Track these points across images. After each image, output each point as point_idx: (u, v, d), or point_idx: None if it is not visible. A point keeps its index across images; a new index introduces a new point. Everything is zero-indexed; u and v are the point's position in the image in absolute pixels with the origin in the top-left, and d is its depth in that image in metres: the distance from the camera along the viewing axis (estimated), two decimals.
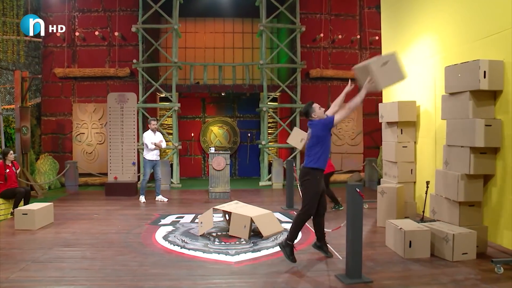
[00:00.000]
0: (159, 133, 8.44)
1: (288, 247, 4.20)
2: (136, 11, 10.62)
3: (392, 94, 7.11)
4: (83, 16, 10.77)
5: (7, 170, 6.76)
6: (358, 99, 4.12)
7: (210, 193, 8.50)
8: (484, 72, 4.20)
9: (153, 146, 8.05)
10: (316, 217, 4.42)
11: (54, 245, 5.02)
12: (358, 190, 3.71)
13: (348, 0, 11.11)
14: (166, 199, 8.24)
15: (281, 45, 10.64)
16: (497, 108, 4.37)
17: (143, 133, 8.45)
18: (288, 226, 5.82)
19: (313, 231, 5.59)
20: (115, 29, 10.61)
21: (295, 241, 4.32)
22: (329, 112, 4.35)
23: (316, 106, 4.32)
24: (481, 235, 4.44)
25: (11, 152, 6.96)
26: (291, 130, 10.78)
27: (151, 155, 8.11)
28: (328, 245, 4.57)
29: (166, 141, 11.67)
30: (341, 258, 4.38)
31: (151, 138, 8.11)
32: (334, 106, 4.43)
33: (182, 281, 3.83)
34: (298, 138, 7.60)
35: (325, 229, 4.52)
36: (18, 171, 7.17)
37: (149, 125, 8.29)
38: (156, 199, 8.19)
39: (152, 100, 11.31)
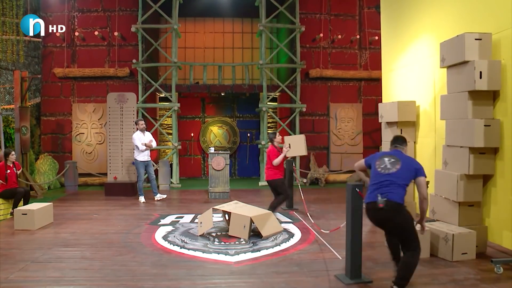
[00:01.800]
0: (148, 132, 8.41)
1: None
2: (136, 11, 10.61)
3: (391, 94, 7.11)
4: (83, 16, 10.77)
5: (8, 171, 6.76)
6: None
7: (210, 193, 8.50)
8: (480, 72, 4.21)
9: (144, 147, 8.04)
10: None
11: (54, 245, 5.02)
12: (358, 190, 3.71)
13: (347, 0, 11.11)
14: (165, 195, 8.25)
15: (281, 45, 10.64)
16: (496, 108, 4.37)
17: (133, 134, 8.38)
18: (287, 226, 5.83)
19: (313, 231, 5.60)
20: (114, 29, 10.61)
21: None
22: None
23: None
24: (480, 235, 4.44)
25: (13, 152, 6.96)
26: (291, 130, 10.81)
27: (142, 156, 8.09)
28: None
29: (166, 141, 11.73)
30: (340, 258, 4.38)
31: (141, 138, 8.09)
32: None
33: (181, 281, 3.83)
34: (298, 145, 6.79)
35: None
36: (19, 172, 7.17)
37: (137, 126, 8.26)
38: (156, 198, 8.20)
39: (151, 100, 11.30)
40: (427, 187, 3.71)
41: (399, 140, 3.83)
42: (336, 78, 11.05)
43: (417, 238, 3.47)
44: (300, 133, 10.67)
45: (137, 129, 8.22)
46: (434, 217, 4.94)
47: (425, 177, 3.55)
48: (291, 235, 5.44)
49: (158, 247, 4.93)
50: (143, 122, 8.29)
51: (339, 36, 10.83)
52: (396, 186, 3.44)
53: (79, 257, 4.56)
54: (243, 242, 5.08)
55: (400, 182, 3.47)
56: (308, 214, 6.32)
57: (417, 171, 3.53)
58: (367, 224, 5.94)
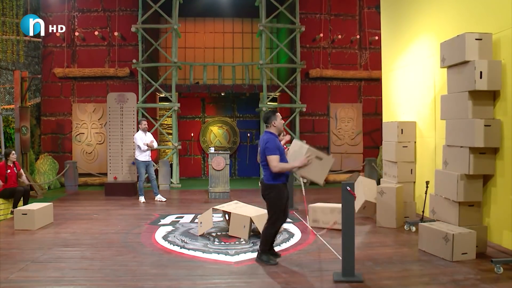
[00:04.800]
0: (149, 133, 8.43)
1: (262, 255, 4.25)
2: (136, 11, 10.61)
3: (392, 94, 7.11)
4: (83, 16, 10.77)
5: (8, 171, 6.75)
6: (288, 167, 4.05)
7: (210, 193, 8.50)
8: (480, 72, 4.21)
9: (146, 147, 8.06)
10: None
11: (54, 245, 5.02)
12: (349, 188, 3.71)
13: (347, 0, 11.11)
14: (165, 199, 8.24)
15: (281, 45, 10.64)
16: (497, 109, 4.37)
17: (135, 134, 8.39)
18: (287, 226, 5.83)
19: (313, 231, 5.61)
20: (114, 29, 10.61)
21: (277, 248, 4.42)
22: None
23: (279, 115, 4.24)
24: (480, 235, 4.44)
25: (13, 152, 6.96)
26: (291, 130, 10.81)
27: (144, 156, 8.11)
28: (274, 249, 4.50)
29: (166, 141, 11.74)
30: (340, 258, 4.37)
31: (143, 138, 8.11)
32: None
33: (181, 281, 3.83)
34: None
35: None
36: (19, 173, 7.16)
37: (139, 126, 8.28)
38: (156, 199, 8.20)
39: (151, 100, 11.30)
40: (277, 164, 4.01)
41: (264, 119, 4.28)
42: (336, 78, 11.05)
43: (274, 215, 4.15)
44: (300, 132, 10.66)
45: (139, 129, 8.23)
46: (434, 217, 4.94)
47: (275, 154, 4.00)
48: (291, 235, 5.44)
49: (158, 247, 4.93)
50: (145, 122, 8.32)
51: (339, 36, 10.84)
52: (265, 170, 4.15)
53: (79, 257, 4.55)
54: (243, 242, 5.08)
55: (264, 166, 4.15)
56: (307, 216, 6.17)
57: (264, 151, 4.06)
58: (367, 224, 5.97)
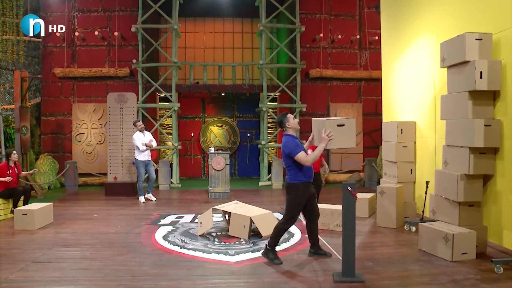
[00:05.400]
0: (148, 132, 8.43)
1: (270, 251, 4.30)
2: (136, 11, 10.61)
3: (392, 94, 7.12)
4: (83, 16, 10.77)
5: (10, 171, 6.75)
6: (317, 152, 4.02)
7: (210, 193, 8.50)
8: (480, 72, 4.21)
9: (144, 147, 8.06)
10: (309, 223, 4.43)
11: (54, 245, 5.02)
12: (350, 189, 3.71)
13: (347, 0, 11.12)
14: (155, 199, 8.24)
15: (281, 45, 10.64)
16: (497, 109, 4.37)
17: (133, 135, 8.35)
18: None
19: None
20: (114, 29, 10.61)
21: (277, 248, 4.45)
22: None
23: (290, 116, 4.27)
24: (480, 235, 4.44)
25: (14, 152, 6.95)
26: None
27: (143, 156, 8.12)
28: (321, 247, 4.55)
29: (166, 141, 11.74)
30: (340, 258, 4.37)
31: (141, 138, 8.11)
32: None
33: (181, 281, 3.83)
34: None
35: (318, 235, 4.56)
36: (20, 175, 7.16)
37: (135, 127, 8.28)
38: (146, 196, 8.20)
39: (151, 100, 11.30)
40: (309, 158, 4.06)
41: (278, 124, 4.39)
42: (336, 78, 11.05)
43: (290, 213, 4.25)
44: (300, 132, 10.67)
45: (136, 130, 8.23)
46: (434, 217, 4.94)
47: (299, 151, 4.05)
48: (291, 235, 5.44)
49: (158, 247, 4.93)
50: (141, 123, 8.32)
51: (339, 36, 10.84)
52: (287, 171, 4.26)
53: (79, 257, 4.56)
54: (243, 242, 5.08)
55: (286, 167, 4.26)
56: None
57: (290, 154, 4.12)
58: (367, 224, 5.97)
